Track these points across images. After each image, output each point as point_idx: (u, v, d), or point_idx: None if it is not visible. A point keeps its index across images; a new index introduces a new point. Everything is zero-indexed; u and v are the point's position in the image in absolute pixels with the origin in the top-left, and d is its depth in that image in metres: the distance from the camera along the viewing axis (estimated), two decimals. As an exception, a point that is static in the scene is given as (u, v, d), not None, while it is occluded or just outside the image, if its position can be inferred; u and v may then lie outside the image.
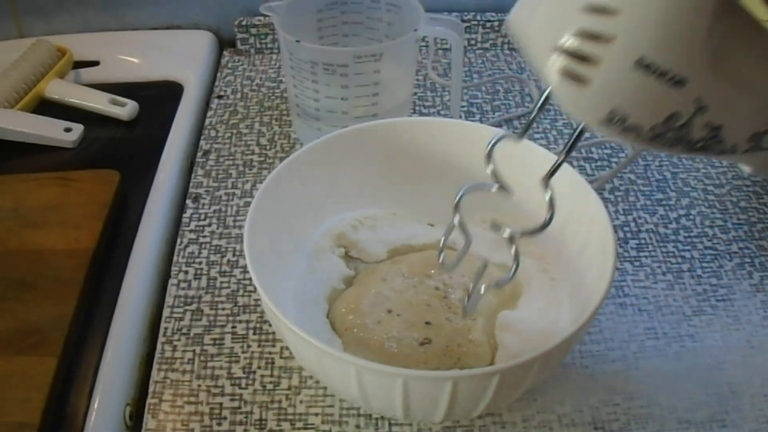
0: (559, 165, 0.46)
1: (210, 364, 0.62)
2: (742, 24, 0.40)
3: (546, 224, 0.48)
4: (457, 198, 0.52)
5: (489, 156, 0.49)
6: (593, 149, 0.81)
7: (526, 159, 0.58)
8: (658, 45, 0.37)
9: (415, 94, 0.88)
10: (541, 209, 0.47)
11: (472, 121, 0.85)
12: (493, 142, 0.48)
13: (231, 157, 0.81)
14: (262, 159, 0.80)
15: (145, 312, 0.66)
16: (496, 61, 0.96)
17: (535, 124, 0.82)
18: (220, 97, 0.90)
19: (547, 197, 0.47)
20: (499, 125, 0.85)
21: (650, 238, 0.72)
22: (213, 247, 0.71)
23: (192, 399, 0.59)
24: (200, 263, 0.70)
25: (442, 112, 0.87)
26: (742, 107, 0.41)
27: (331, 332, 0.58)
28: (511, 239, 0.50)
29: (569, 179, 0.58)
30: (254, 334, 0.64)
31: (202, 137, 0.84)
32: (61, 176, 0.74)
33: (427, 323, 0.58)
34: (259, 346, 0.63)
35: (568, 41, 0.38)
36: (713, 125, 0.40)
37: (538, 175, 0.47)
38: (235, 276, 0.68)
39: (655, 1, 0.36)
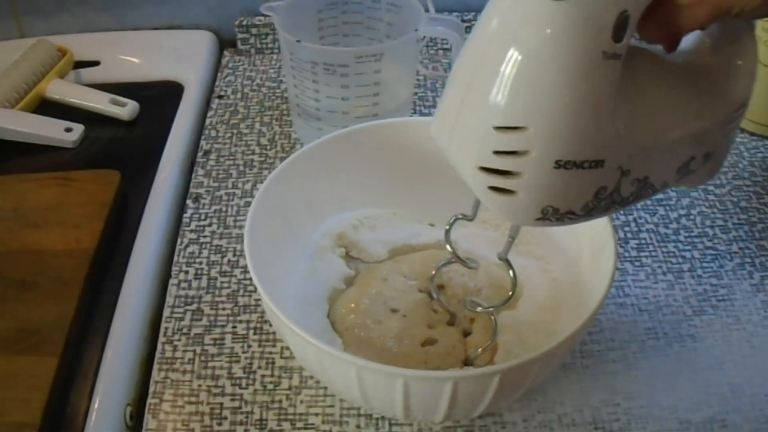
0: (511, 244, 0.50)
1: (210, 364, 0.62)
2: (648, 71, 0.42)
3: (507, 300, 0.53)
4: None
5: (447, 237, 0.53)
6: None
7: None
8: (571, 145, 0.39)
9: (416, 94, 0.88)
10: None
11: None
12: (448, 225, 0.53)
13: (231, 157, 0.81)
14: (263, 159, 0.80)
15: (146, 312, 0.66)
16: (496, 61, 0.95)
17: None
18: (220, 97, 0.90)
19: (510, 274, 0.51)
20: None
21: (651, 238, 0.72)
22: (213, 247, 0.71)
23: (192, 399, 0.59)
24: (201, 263, 0.70)
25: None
26: (663, 152, 0.43)
27: (332, 332, 0.58)
28: (490, 315, 0.54)
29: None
30: (255, 334, 0.64)
31: (203, 137, 0.84)
32: (62, 176, 0.74)
33: (428, 324, 0.58)
34: (259, 346, 0.63)
35: (488, 161, 0.40)
36: (639, 179, 0.43)
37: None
38: (235, 276, 0.68)
39: (559, 110, 0.38)
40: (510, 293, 0.52)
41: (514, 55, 0.38)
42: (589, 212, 0.42)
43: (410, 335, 0.57)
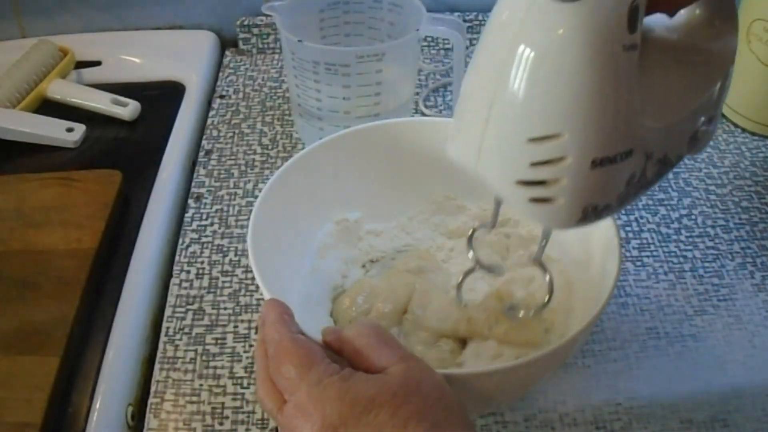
0: (544, 248, 0.50)
1: (212, 363, 0.62)
2: (655, 56, 0.43)
3: (546, 304, 0.53)
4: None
5: (470, 243, 0.53)
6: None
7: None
8: (604, 143, 0.39)
9: (417, 93, 0.88)
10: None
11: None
12: (470, 234, 0.53)
13: (233, 157, 0.81)
14: (264, 159, 0.80)
15: (147, 312, 0.66)
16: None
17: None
18: (222, 96, 0.90)
19: (547, 279, 0.52)
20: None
21: (652, 238, 0.72)
22: (215, 247, 0.71)
23: (194, 398, 0.59)
24: (202, 263, 0.70)
25: (444, 112, 0.87)
26: (677, 128, 0.44)
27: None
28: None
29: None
30: (256, 333, 0.64)
31: (204, 137, 0.84)
32: (63, 176, 0.74)
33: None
34: (261, 345, 0.63)
35: (526, 174, 0.40)
36: (660, 158, 0.43)
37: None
38: (236, 275, 0.68)
39: (589, 110, 0.38)
40: (547, 297, 0.52)
41: (536, 66, 0.38)
42: (621, 202, 0.42)
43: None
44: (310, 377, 0.40)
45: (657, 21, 0.45)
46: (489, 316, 0.55)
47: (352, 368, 0.42)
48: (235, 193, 0.76)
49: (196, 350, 0.62)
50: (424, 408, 0.39)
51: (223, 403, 0.59)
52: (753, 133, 0.84)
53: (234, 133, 0.84)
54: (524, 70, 0.38)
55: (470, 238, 0.53)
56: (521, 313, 0.54)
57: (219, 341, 0.63)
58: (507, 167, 0.40)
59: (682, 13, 0.46)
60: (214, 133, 0.84)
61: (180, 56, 0.94)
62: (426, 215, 0.68)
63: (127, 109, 0.84)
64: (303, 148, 0.66)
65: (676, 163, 0.45)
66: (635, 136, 0.40)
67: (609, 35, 0.37)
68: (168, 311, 0.66)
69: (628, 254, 0.70)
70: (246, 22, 0.95)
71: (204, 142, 0.83)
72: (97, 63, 0.93)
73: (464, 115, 0.42)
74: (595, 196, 0.41)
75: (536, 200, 0.41)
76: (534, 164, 0.39)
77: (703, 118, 0.46)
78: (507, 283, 0.60)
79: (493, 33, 0.40)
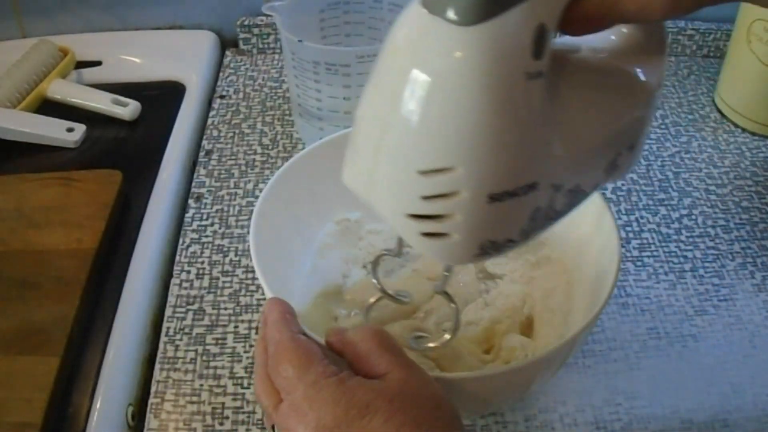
0: (447, 278, 0.46)
1: (212, 363, 0.62)
2: (569, 78, 0.39)
3: (450, 340, 0.49)
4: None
5: (375, 272, 0.50)
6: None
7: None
8: (502, 177, 0.36)
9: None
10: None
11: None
12: (373, 264, 0.49)
13: (233, 157, 0.81)
14: (265, 159, 0.80)
15: (148, 312, 0.66)
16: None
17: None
18: (222, 97, 0.90)
19: (452, 306, 0.48)
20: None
21: (652, 238, 0.72)
22: (215, 247, 0.71)
23: (194, 399, 0.59)
24: (202, 263, 0.70)
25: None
26: (592, 158, 0.41)
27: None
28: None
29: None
30: (256, 333, 0.64)
31: (205, 137, 0.84)
32: (64, 176, 0.74)
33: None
34: (261, 345, 0.63)
35: (417, 208, 0.37)
36: (571, 189, 0.40)
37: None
38: (237, 276, 0.68)
39: (486, 143, 0.35)
40: (449, 335, 0.49)
41: (428, 92, 0.34)
42: (526, 235, 0.39)
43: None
44: (307, 378, 0.40)
45: (583, 40, 0.41)
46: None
47: (352, 371, 0.42)
48: (236, 193, 0.76)
49: (196, 350, 0.62)
50: (419, 417, 0.39)
51: (223, 404, 0.59)
52: (753, 133, 0.84)
53: (234, 133, 0.84)
54: (415, 97, 0.35)
55: (374, 264, 0.50)
56: (430, 344, 0.51)
57: (219, 341, 0.63)
58: (398, 199, 0.38)
59: (609, 33, 0.43)
60: (215, 133, 0.84)
61: (180, 56, 0.94)
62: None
63: (128, 109, 0.84)
64: (303, 148, 0.66)
65: (592, 191, 0.43)
66: (540, 168, 0.37)
67: (510, 62, 0.34)
68: (168, 311, 0.66)
69: (628, 254, 0.70)
70: (246, 22, 0.95)
71: (204, 142, 0.83)
72: (98, 63, 0.93)
73: (358, 141, 0.39)
74: (493, 232, 0.38)
75: (429, 235, 0.38)
76: (425, 198, 0.36)
77: (623, 145, 0.43)
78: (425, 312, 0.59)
79: (387, 54, 0.37)
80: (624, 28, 0.43)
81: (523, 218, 0.38)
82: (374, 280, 0.50)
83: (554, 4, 0.35)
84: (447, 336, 0.49)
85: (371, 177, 0.38)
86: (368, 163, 0.38)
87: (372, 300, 0.53)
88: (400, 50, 0.36)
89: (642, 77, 0.42)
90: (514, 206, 0.37)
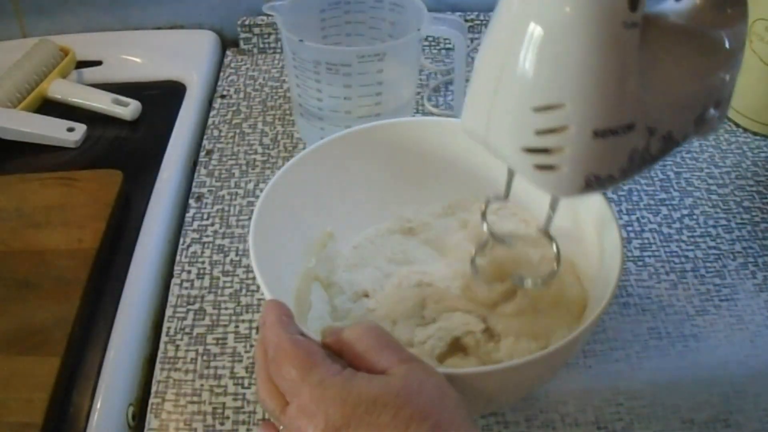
0: (552, 217, 0.50)
1: (213, 363, 0.62)
2: (659, 37, 0.44)
3: (555, 273, 0.53)
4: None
5: (484, 216, 0.54)
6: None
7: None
8: (605, 114, 0.41)
9: (419, 93, 0.88)
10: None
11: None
12: (483, 208, 0.54)
13: (234, 157, 0.81)
14: (265, 159, 0.80)
15: (148, 312, 0.66)
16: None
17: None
18: (223, 96, 0.90)
19: (554, 247, 0.52)
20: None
21: (654, 238, 0.72)
22: (216, 247, 0.71)
23: (195, 399, 0.59)
24: (203, 263, 0.70)
25: (445, 112, 0.87)
26: (681, 108, 0.46)
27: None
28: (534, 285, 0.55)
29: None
30: (257, 333, 0.64)
31: (205, 137, 0.84)
32: (64, 176, 0.74)
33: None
34: (261, 345, 0.63)
35: (531, 141, 0.42)
36: (664, 135, 0.44)
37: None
38: (237, 275, 0.68)
39: (590, 83, 0.40)
40: (555, 266, 0.53)
41: (540, 37, 0.39)
42: (623, 175, 0.43)
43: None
44: (312, 378, 0.40)
45: (667, 7, 0.47)
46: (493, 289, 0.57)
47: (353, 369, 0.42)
48: (236, 193, 0.76)
49: (197, 350, 0.62)
50: (426, 409, 0.39)
51: (224, 404, 0.59)
52: (755, 133, 0.84)
53: (235, 132, 0.84)
54: (529, 44, 0.40)
55: (484, 212, 0.54)
56: (529, 283, 0.55)
57: (220, 341, 0.63)
58: (513, 135, 0.42)
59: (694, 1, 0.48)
60: (215, 132, 0.84)
61: (181, 56, 0.94)
62: (428, 214, 0.68)
63: (128, 108, 0.84)
64: (304, 148, 0.66)
65: (683, 142, 0.47)
66: (637, 110, 0.42)
67: (610, 12, 0.39)
68: (169, 311, 0.66)
69: (629, 254, 0.70)
70: (247, 22, 0.95)
71: (205, 141, 0.83)
72: (98, 63, 0.93)
73: (475, 88, 0.44)
74: (597, 166, 0.42)
75: (541, 167, 0.42)
76: (538, 132, 0.41)
77: (710, 101, 0.47)
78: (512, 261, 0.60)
79: (501, 10, 0.42)
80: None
81: (623, 157, 0.43)
82: (484, 225, 0.54)
83: None
84: (555, 267, 0.53)
85: (489, 117, 0.43)
86: (486, 106, 0.43)
87: (480, 245, 0.56)
88: (513, 3, 0.41)
89: (722, 41, 0.47)
90: (615, 144, 0.42)
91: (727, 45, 0.47)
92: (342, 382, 0.40)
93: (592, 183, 0.43)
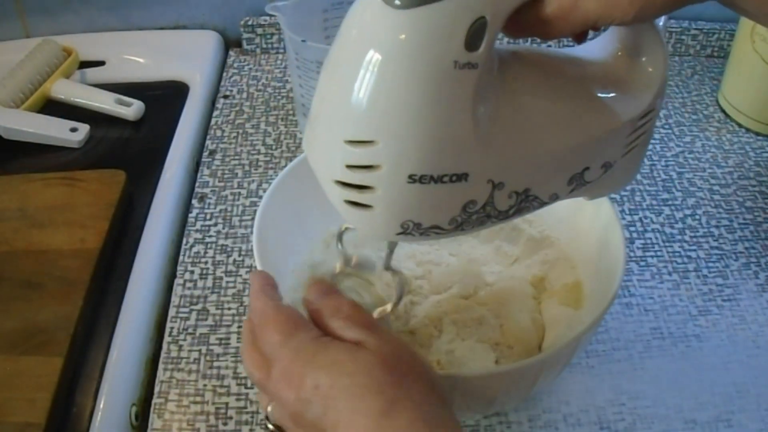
0: (390, 255, 0.46)
1: (216, 363, 0.62)
2: (527, 83, 0.40)
3: (395, 306, 0.47)
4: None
5: (339, 240, 0.49)
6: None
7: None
8: (423, 159, 0.37)
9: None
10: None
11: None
12: (338, 234, 0.49)
13: (237, 157, 0.81)
14: (268, 159, 0.80)
15: (151, 312, 0.66)
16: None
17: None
18: (226, 96, 0.90)
19: (397, 280, 0.47)
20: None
21: (656, 238, 0.72)
22: (219, 247, 0.71)
23: (198, 399, 0.59)
24: (206, 263, 0.70)
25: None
26: (544, 165, 0.41)
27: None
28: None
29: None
30: (260, 333, 0.64)
31: (208, 137, 0.84)
32: (67, 176, 0.75)
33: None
34: (264, 345, 0.63)
35: (342, 175, 0.39)
36: (518, 192, 0.41)
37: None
38: (240, 276, 0.68)
39: (407, 123, 0.36)
40: (395, 300, 0.48)
41: (359, 68, 0.36)
42: (458, 226, 0.40)
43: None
44: (293, 342, 0.41)
45: (577, 50, 0.43)
46: None
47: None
48: (239, 193, 0.76)
49: (200, 350, 0.63)
50: (396, 377, 0.39)
51: (227, 404, 0.59)
52: (757, 133, 0.84)
53: (238, 133, 0.84)
54: (346, 72, 0.37)
55: (340, 236, 0.49)
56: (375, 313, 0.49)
57: (223, 341, 0.63)
58: (327, 164, 0.40)
59: (603, 42, 0.43)
60: (218, 133, 0.84)
61: (184, 56, 0.94)
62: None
63: (131, 109, 0.84)
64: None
65: (551, 201, 0.42)
66: (470, 160, 0.38)
67: (438, 49, 0.35)
68: (172, 311, 0.66)
69: (632, 254, 0.70)
70: (250, 22, 0.96)
71: (208, 142, 0.83)
72: (101, 63, 0.93)
73: (311, 108, 0.42)
74: (415, 214, 0.39)
75: (353, 203, 0.39)
76: (349, 166, 0.38)
77: (592, 162, 0.43)
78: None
79: (340, 30, 0.39)
80: (619, 51, 0.43)
81: (455, 208, 0.39)
82: (339, 246, 0.49)
83: (500, 2, 0.36)
84: (388, 307, 0.47)
85: (312, 142, 0.41)
86: (312, 129, 0.41)
87: (337, 269, 0.51)
88: (346, 28, 0.38)
89: (612, 106, 0.42)
90: (439, 192, 0.38)
91: (614, 112, 0.42)
92: (324, 346, 0.40)
93: (411, 229, 0.39)
